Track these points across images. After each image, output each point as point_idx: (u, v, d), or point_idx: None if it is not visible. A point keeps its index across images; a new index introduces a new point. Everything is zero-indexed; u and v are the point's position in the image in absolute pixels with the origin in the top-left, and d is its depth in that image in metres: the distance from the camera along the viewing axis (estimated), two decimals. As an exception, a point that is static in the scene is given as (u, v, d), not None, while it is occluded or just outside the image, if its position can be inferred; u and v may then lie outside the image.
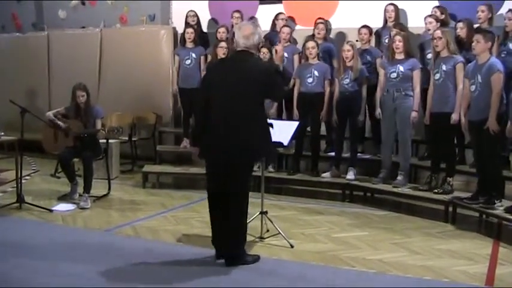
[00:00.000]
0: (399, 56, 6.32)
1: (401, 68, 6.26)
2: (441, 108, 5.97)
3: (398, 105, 6.30)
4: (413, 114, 6.24)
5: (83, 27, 9.91)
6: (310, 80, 6.95)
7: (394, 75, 6.30)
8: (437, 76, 5.99)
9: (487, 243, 5.07)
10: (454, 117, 5.86)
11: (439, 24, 6.64)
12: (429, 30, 6.63)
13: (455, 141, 6.64)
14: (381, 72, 6.55)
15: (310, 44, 6.99)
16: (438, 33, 5.99)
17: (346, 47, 6.69)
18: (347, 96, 6.75)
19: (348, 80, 6.72)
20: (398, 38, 6.30)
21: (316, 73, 6.93)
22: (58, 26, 10.15)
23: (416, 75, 6.26)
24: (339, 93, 6.83)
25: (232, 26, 8.16)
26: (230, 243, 4.28)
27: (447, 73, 5.91)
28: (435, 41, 5.98)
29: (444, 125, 5.93)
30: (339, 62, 6.93)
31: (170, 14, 9.48)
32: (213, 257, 4.36)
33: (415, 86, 6.26)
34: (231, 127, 4.11)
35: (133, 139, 8.71)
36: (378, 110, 6.55)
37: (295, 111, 7.12)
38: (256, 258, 4.41)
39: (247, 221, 4.41)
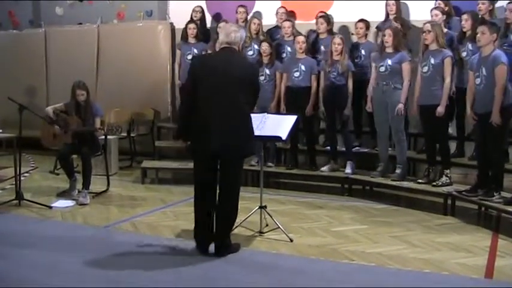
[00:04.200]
0: (388, 50, 6.32)
1: (389, 62, 6.26)
2: (429, 100, 5.98)
3: (388, 99, 6.31)
4: (399, 106, 6.23)
5: (80, 24, 9.89)
6: (297, 74, 6.95)
7: (382, 69, 6.31)
8: (426, 69, 6.00)
9: (486, 236, 5.08)
10: (439, 109, 5.89)
11: (445, 16, 6.63)
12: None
13: (456, 134, 6.66)
14: (373, 66, 6.55)
15: (301, 38, 6.99)
16: (428, 26, 5.99)
17: (337, 40, 6.69)
18: (334, 90, 6.75)
19: (335, 74, 6.72)
20: (388, 32, 6.30)
21: (303, 68, 6.93)
22: (55, 23, 10.12)
23: (405, 68, 6.25)
24: (325, 86, 6.83)
25: (237, 21, 8.14)
26: (221, 233, 4.42)
27: (435, 66, 5.92)
28: (425, 34, 5.99)
29: (433, 118, 5.94)
30: (328, 54, 6.89)
31: (167, 9, 9.46)
32: (196, 251, 4.44)
33: (404, 78, 6.25)
34: (219, 121, 4.19)
35: (131, 135, 8.72)
36: (368, 104, 6.56)
37: (282, 106, 7.12)
38: (237, 246, 4.54)
39: (247, 216, 4.42)
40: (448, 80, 5.89)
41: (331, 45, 6.76)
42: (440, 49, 5.93)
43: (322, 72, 6.88)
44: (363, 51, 7.18)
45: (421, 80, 6.08)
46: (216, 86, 4.23)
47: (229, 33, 4.37)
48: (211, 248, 4.43)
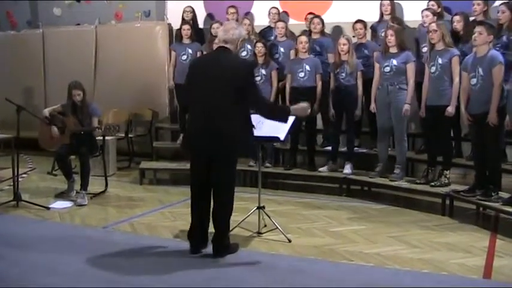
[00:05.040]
0: (392, 50, 6.30)
1: (394, 62, 6.25)
2: (437, 101, 5.97)
3: (393, 99, 6.30)
4: (406, 107, 6.23)
5: (78, 24, 9.88)
6: (302, 74, 6.94)
7: (387, 69, 6.29)
8: (433, 69, 5.98)
9: (485, 236, 5.07)
10: (450, 109, 5.88)
11: (435, 17, 6.64)
12: (425, 23, 6.64)
13: (452, 134, 6.66)
14: (376, 66, 6.54)
15: (303, 38, 6.98)
16: (433, 26, 5.98)
17: (342, 40, 6.68)
18: (343, 90, 6.74)
19: (344, 74, 6.71)
20: (390, 32, 6.28)
21: (307, 68, 6.91)
22: (53, 24, 10.12)
23: (410, 68, 6.25)
24: (335, 87, 6.82)
25: None
26: (218, 234, 4.39)
27: (443, 66, 5.90)
28: (431, 33, 5.97)
29: (440, 118, 5.94)
30: (335, 56, 6.91)
31: (165, 10, 9.46)
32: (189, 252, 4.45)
33: (409, 79, 6.25)
34: (210, 120, 4.20)
35: (130, 136, 8.71)
36: (373, 105, 6.55)
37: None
38: (236, 246, 4.53)
39: (245, 216, 4.43)
40: (456, 79, 5.83)
41: (336, 46, 6.76)
42: (447, 48, 5.92)
43: (332, 74, 6.87)
44: (366, 51, 7.15)
45: (429, 81, 6.06)
46: (209, 86, 4.23)
47: (228, 29, 4.37)
48: (210, 249, 4.42)
